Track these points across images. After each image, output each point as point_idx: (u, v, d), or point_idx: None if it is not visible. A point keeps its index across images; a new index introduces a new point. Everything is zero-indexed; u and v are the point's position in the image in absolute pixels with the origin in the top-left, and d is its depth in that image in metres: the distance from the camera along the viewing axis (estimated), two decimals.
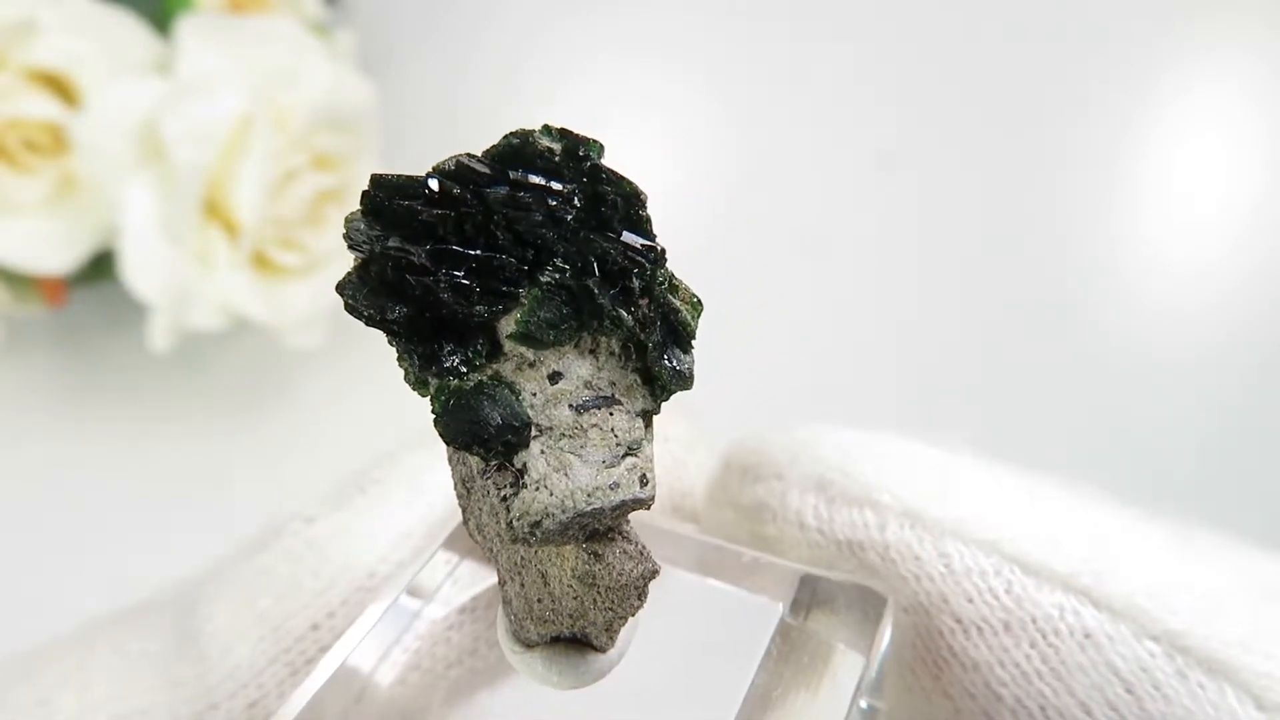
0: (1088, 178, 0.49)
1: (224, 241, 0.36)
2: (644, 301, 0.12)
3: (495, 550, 0.14)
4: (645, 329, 0.12)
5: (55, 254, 0.36)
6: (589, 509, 0.12)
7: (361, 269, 0.12)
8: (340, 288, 0.12)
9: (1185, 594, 0.15)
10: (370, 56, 0.46)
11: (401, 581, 0.16)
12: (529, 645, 0.14)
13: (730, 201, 0.49)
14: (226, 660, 0.16)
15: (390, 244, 0.12)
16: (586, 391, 0.12)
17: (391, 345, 0.12)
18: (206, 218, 0.36)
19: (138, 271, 0.35)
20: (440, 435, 0.12)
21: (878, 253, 0.47)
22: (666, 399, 0.13)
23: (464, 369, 0.12)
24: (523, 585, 0.13)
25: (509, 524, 0.12)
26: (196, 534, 0.26)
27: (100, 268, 0.37)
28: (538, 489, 0.12)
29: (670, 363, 0.12)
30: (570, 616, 0.13)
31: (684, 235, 0.48)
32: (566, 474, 0.12)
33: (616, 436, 0.12)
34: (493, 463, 0.12)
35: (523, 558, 0.13)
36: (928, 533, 0.16)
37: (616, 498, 0.12)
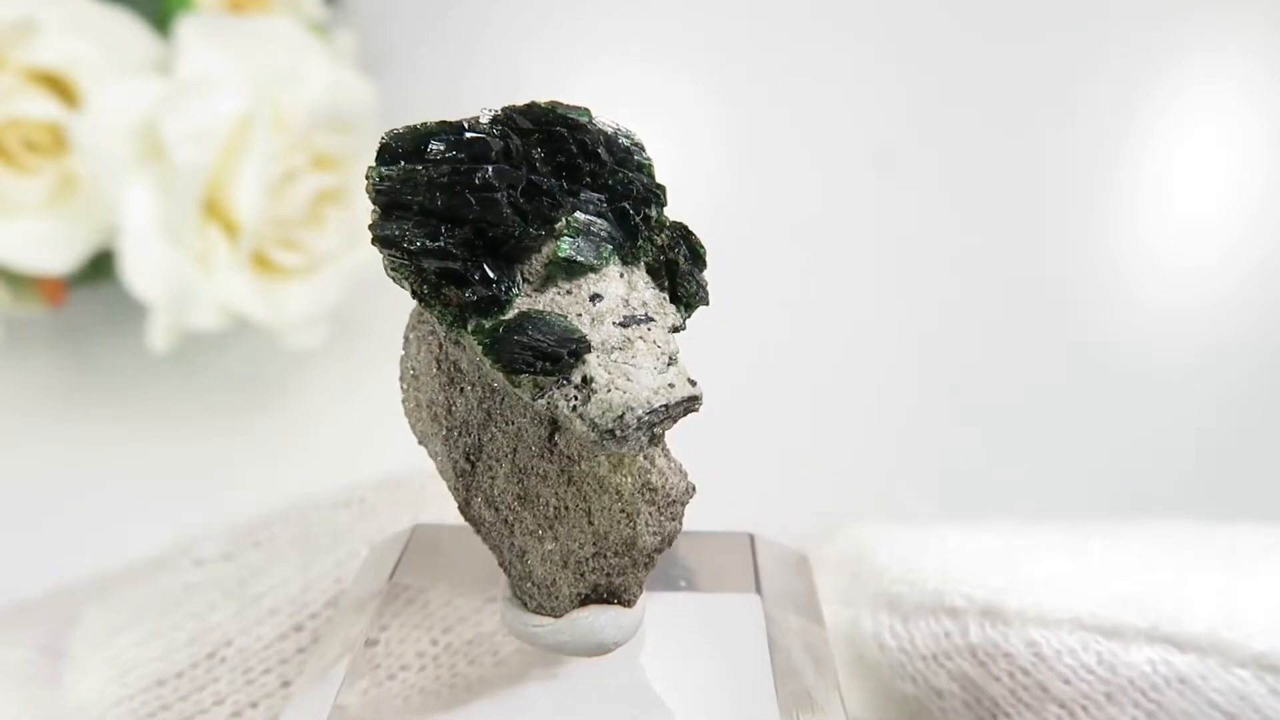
0: (1087, 177, 0.49)
1: (224, 241, 0.36)
2: (666, 226, 0.14)
3: (511, 519, 0.14)
4: (673, 248, 0.14)
5: (55, 254, 0.36)
6: (660, 404, 0.12)
7: (390, 208, 0.13)
8: (376, 226, 0.13)
9: (1258, 615, 0.16)
10: (370, 56, 0.46)
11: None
12: (557, 614, 0.14)
13: (730, 201, 0.49)
14: (78, 692, 0.17)
15: (449, 157, 0.12)
16: (625, 309, 0.13)
17: (419, 294, 0.13)
18: (206, 218, 0.36)
19: (138, 271, 0.35)
20: (495, 363, 0.12)
21: (877, 250, 0.47)
22: (690, 315, 0.14)
23: (515, 292, 0.13)
24: (557, 539, 0.14)
25: (592, 425, 0.12)
26: (196, 534, 0.26)
27: (100, 268, 0.37)
28: (609, 391, 0.12)
29: (695, 279, 0.14)
30: (617, 554, 0.14)
31: None
32: (628, 379, 0.12)
33: (660, 347, 0.13)
34: (553, 381, 0.13)
35: (563, 506, 0.14)
36: (1009, 626, 0.16)
37: (677, 394, 0.12)
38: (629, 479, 0.14)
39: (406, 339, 0.15)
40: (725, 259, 0.53)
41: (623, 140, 0.13)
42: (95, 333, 0.42)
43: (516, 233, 0.12)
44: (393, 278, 0.13)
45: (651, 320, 0.13)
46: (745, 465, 0.40)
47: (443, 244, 0.12)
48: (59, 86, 0.36)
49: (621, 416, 0.12)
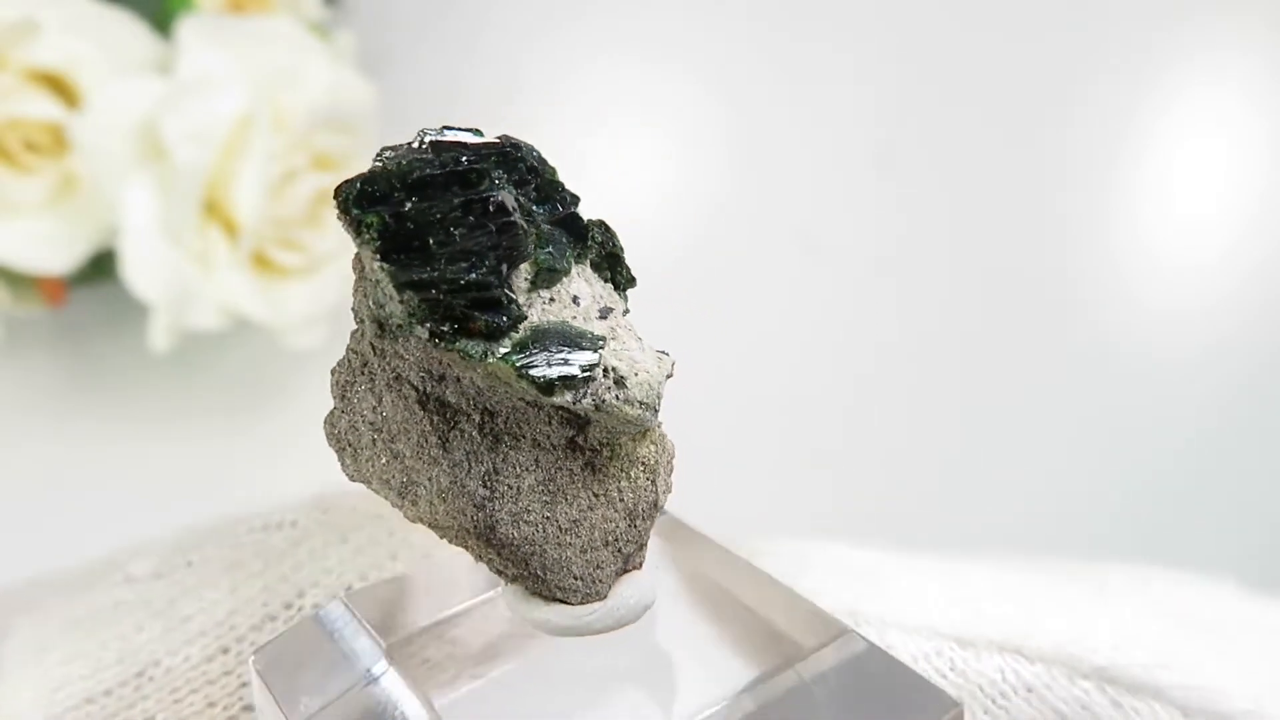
0: (1087, 177, 0.49)
1: (224, 241, 0.36)
2: (595, 225, 0.15)
3: (543, 528, 0.15)
4: (608, 242, 0.15)
5: (55, 254, 0.36)
6: (668, 374, 0.14)
7: (398, 252, 0.13)
8: (396, 274, 0.13)
9: (1105, 633, 0.17)
10: (370, 56, 0.46)
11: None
12: (602, 596, 0.15)
13: (730, 201, 0.49)
14: (7, 708, 0.17)
15: (452, 189, 0.13)
16: (597, 304, 0.14)
17: (441, 334, 0.13)
18: (206, 218, 0.36)
19: (138, 271, 0.35)
20: (532, 384, 0.13)
21: (877, 250, 0.47)
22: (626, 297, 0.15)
23: (524, 314, 0.14)
24: (594, 527, 0.15)
25: (640, 405, 0.14)
26: (200, 521, 0.26)
27: (100, 268, 0.37)
28: (636, 374, 0.14)
29: (627, 266, 0.15)
30: (645, 518, 0.15)
31: (683, 235, 0.48)
32: (635, 360, 0.14)
33: (631, 330, 0.14)
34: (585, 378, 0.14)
35: (593, 494, 0.15)
36: (870, 627, 0.17)
37: (669, 363, 0.14)
38: (650, 447, 0.15)
39: (346, 400, 0.15)
40: (725, 259, 0.53)
41: (536, 153, 0.14)
42: (95, 333, 0.42)
43: (529, 253, 0.13)
44: (402, 325, 0.13)
45: (613, 309, 0.14)
46: (743, 463, 0.40)
47: (478, 276, 0.13)
48: (59, 86, 0.36)
49: (659, 394, 0.14)
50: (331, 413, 0.15)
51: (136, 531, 0.21)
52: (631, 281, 0.15)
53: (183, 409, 0.42)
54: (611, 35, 0.52)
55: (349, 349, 0.15)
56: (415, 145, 0.13)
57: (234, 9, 0.40)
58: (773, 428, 0.43)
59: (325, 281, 0.39)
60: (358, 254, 0.14)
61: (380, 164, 0.13)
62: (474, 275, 0.13)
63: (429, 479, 0.14)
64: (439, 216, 0.13)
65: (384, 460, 0.15)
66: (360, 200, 0.13)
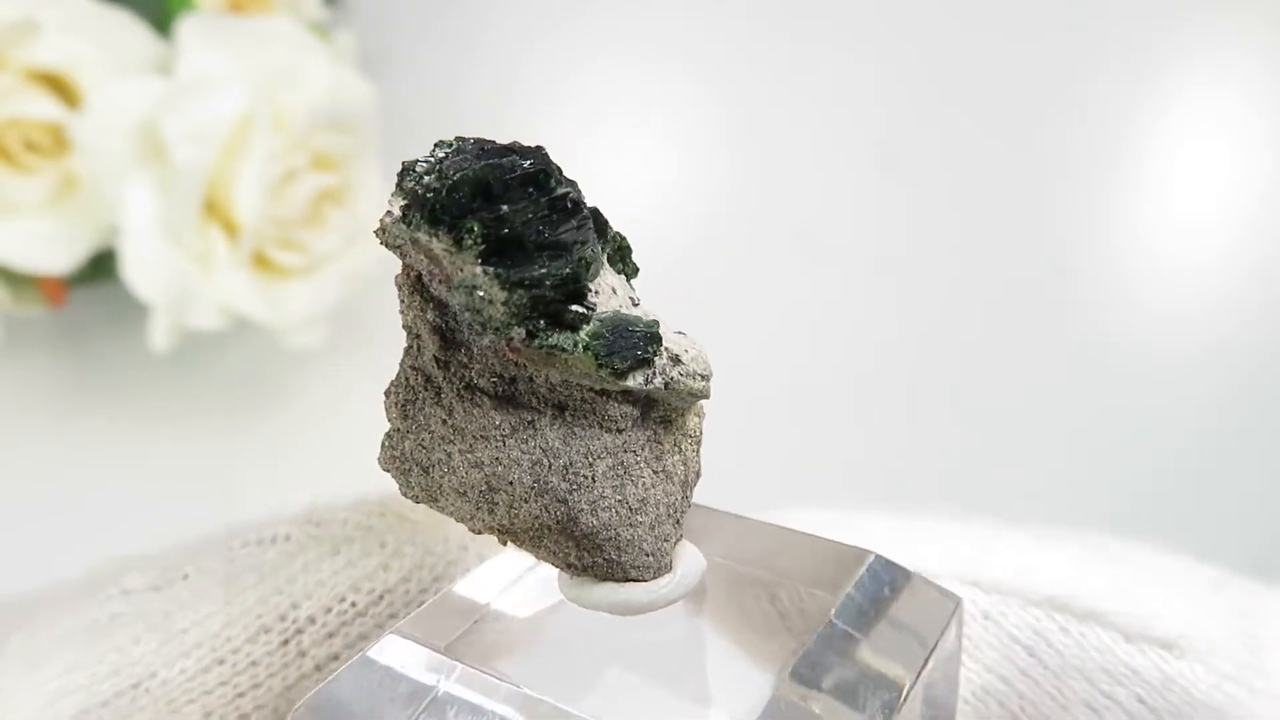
0: (1087, 177, 0.49)
1: (224, 241, 0.36)
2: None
3: (619, 513, 0.15)
4: (620, 235, 0.15)
5: (55, 254, 0.36)
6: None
7: (499, 253, 0.13)
8: (511, 274, 0.13)
9: (1053, 568, 0.19)
10: (370, 56, 0.46)
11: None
12: (669, 568, 0.16)
13: (730, 201, 0.49)
14: (4, 718, 0.17)
15: (531, 189, 0.14)
16: (628, 295, 0.15)
17: (536, 332, 0.14)
18: (206, 218, 0.36)
19: (138, 271, 0.35)
20: (611, 371, 0.14)
21: (877, 250, 0.47)
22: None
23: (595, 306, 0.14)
24: (658, 504, 0.16)
25: (702, 378, 0.15)
26: (197, 534, 0.26)
27: (100, 268, 0.37)
28: (687, 350, 0.15)
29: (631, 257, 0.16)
30: (692, 487, 0.16)
31: (683, 235, 0.48)
32: (676, 339, 0.15)
33: (655, 316, 0.15)
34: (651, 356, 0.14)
35: (654, 471, 0.15)
36: None
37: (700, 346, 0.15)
38: (694, 419, 0.16)
39: (409, 419, 0.15)
40: (725, 259, 0.53)
41: (544, 152, 0.15)
42: (95, 333, 0.42)
43: (595, 244, 0.14)
44: (500, 328, 0.13)
45: (638, 299, 0.15)
46: (743, 463, 0.40)
47: (571, 270, 0.13)
48: (59, 86, 0.36)
49: (708, 362, 0.15)
50: (389, 436, 0.15)
51: (137, 531, 0.21)
52: (635, 271, 0.16)
53: (183, 409, 0.42)
54: (611, 35, 0.52)
55: (405, 367, 0.15)
56: (447, 155, 0.14)
57: (234, 9, 0.40)
58: (772, 428, 0.43)
59: (325, 281, 0.39)
60: (405, 270, 0.14)
61: (435, 177, 0.13)
62: (568, 269, 0.13)
63: (509, 482, 0.15)
64: (530, 216, 0.13)
65: (462, 472, 0.15)
66: (451, 209, 0.13)
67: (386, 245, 0.14)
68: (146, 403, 0.41)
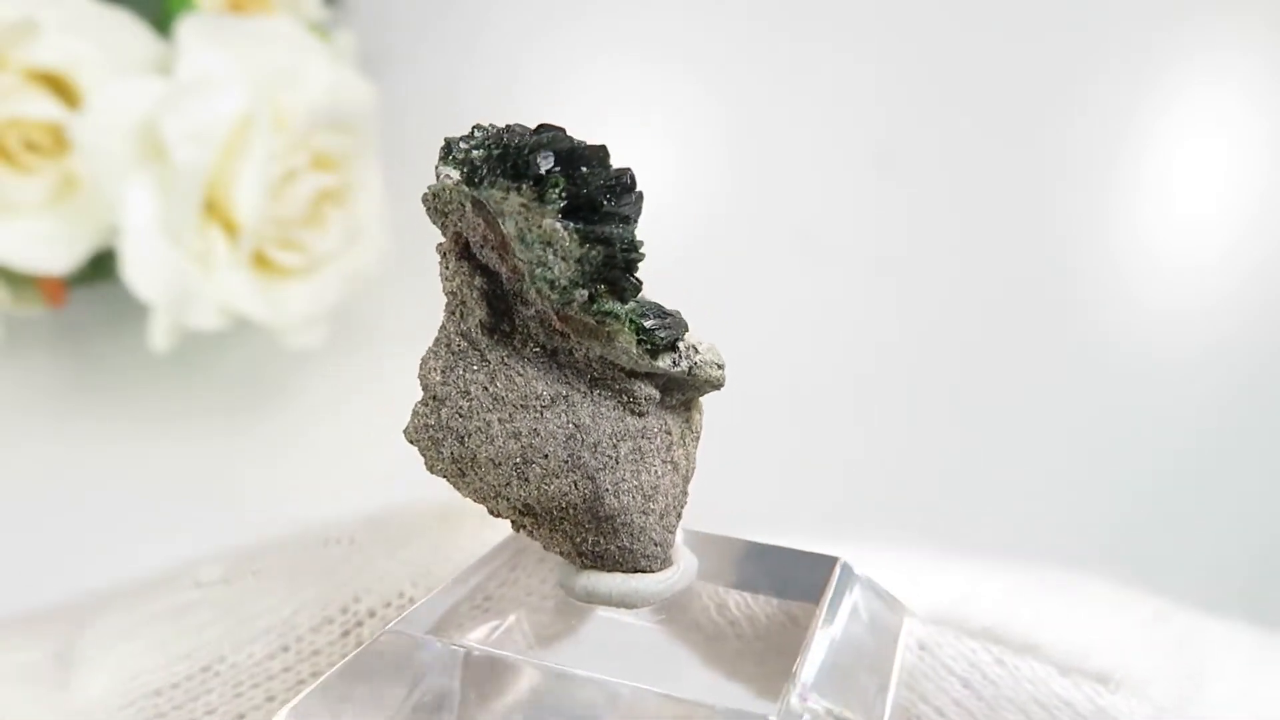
0: (1087, 177, 0.49)
1: (224, 241, 0.36)
2: None
3: (637, 497, 0.15)
4: None
5: (55, 254, 0.36)
6: None
7: (576, 210, 0.14)
8: (590, 232, 0.14)
9: (988, 599, 0.19)
10: (370, 56, 0.46)
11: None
12: (672, 560, 0.16)
13: (730, 201, 0.49)
14: (83, 695, 0.18)
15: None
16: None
17: (596, 295, 0.14)
18: (206, 218, 0.36)
19: (138, 271, 0.35)
20: (650, 349, 0.15)
21: (877, 251, 0.47)
22: None
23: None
24: (666, 495, 0.16)
25: (718, 365, 0.15)
26: (197, 534, 0.26)
27: (100, 268, 0.37)
28: (702, 341, 0.15)
29: None
30: (689, 482, 0.16)
31: (683, 235, 0.48)
32: (693, 333, 0.15)
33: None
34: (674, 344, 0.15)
35: (665, 462, 0.16)
36: None
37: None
38: (698, 416, 0.16)
39: (448, 385, 0.15)
40: (725, 259, 0.53)
41: None
42: (95, 333, 0.42)
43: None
44: (570, 284, 0.14)
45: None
46: (742, 463, 0.40)
47: (634, 238, 0.14)
48: (59, 86, 0.36)
49: (720, 353, 0.15)
50: (425, 404, 0.15)
51: (137, 531, 0.22)
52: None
53: (183, 409, 0.42)
54: (611, 35, 0.52)
55: (447, 332, 0.15)
56: (498, 130, 0.14)
57: (234, 9, 0.40)
58: (772, 427, 0.43)
59: (325, 281, 0.39)
60: (453, 237, 0.15)
61: (509, 137, 0.14)
62: (632, 235, 0.14)
63: (544, 455, 0.15)
64: (600, 183, 0.14)
65: (500, 441, 0.15)
66: (533, 165, 0.14)
67: (435, 211, 0.15)
68: (146, 403, 0.41)
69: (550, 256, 0.14)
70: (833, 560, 0.17)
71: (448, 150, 0.14)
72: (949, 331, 0.45)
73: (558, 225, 0.14)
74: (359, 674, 0.15)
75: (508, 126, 0.14)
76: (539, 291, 0.14)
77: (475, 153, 0.14)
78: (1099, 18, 0.52)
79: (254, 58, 0.36)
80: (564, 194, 0.14)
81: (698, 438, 0.17)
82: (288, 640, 0.19)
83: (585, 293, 0.14)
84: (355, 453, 0.41)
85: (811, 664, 0.15)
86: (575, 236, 0.14)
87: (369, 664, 0.15)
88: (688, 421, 0.16)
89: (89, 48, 0.35)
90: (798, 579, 0.17)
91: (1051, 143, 0.50)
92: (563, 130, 0.14)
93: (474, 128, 0.14)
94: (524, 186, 0.14)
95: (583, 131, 0.14)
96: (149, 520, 0.37)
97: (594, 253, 0.14)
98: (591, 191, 0.14)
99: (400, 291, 0.43)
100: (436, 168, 0.14)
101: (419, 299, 0.45)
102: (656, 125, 0.51)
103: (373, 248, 0.39)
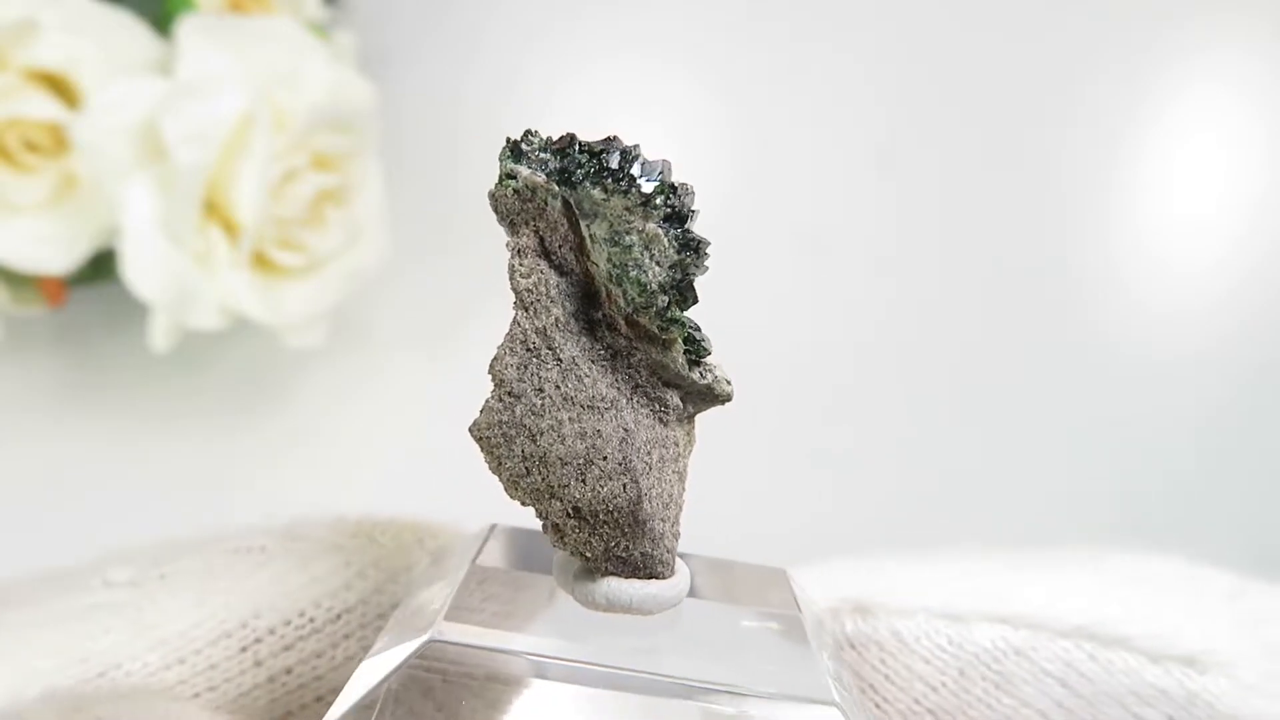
0: (1087, 177, 0.49)
1: (224, 241, 0.36)
2: None
3: (661, 502, 0.16)
4: None
5: (55, 254, 0.36)
6: None
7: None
8: (685, 233, 0.15)
9: (1076, 598, 0.19)
10: (370, 56, 0.46)
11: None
12: (675, 571, 0.16)
13: (730, 201, 0.49)
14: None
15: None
16: None
17: (681, 335, 0.15)
18: (206, 218, 0.36)
19: (138, 271, 0.35)
20: (696, 354, 0.15)
21: (878, 251, 0.47)
22: None
23: None
24: (678, 503, 0.16)
25: (729, 381, 0.16)
26: (182, 535, 0.26)
27: (100, 268, 0.37)
28: (712, 356, 0.16)
29: None
30: (684, 494, 0.17)
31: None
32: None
33: None
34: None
35: (673, 472, 0.16)
36: (876, 619, 0.19)
37: None
38: (694, 428, 0.17)
39: (523, 382, 0.16)
40: (725, 259, 0.53)
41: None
42: (95, 333, 0.42)
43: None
44: (657, 288, 0.15)
45: None
46: (742, 463, 0.40)
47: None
48: (59, 86, 0.36)
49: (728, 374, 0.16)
50: (499, 400, 0.15)
51: (137, 531, 0.21)
52: None
53: (183, 409, 0.42)
54: (611, 35, 0.52)
55: (523, 329, 0.15)
56: (561, 138, 0.15)
57: (234, 9, 0.40)
58: (772, 427, 0.43)
59: (325, 281, 0.39)
60: (533, 229, 0.15)
61: (587, 150, 0.15)
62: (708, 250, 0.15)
63: (604, 456, 0.15)
64: (690, 197, 0.15)
65: (570, 441, 0.15)
66: (644, 172, 0.15)
67: (512, 209, 0.15)
68: (146, 403, 0.41)
69: (646, 259, 0.14)
70: (782, 571, 0.18)
71: (517, 151, 0.15)
72: (948, 331, 0.45)
73: (660, 230, 0.14)
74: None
75: (569, 138, 0.15)
76: (624, 293, 0.15)
77: (543, 154, 0.14)
78: (1098, 18, 0.52)
79: (254, 58, 0.36)
80: (669, 202, 0.15)
81: (694, 441, 0.17)
82: (184, 653, 0.19)
83: (666, 298, 0.15)
84: (355, 453, 0.41)
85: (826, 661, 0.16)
86: (675, 242, 0.14)
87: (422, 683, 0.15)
88: (689, 434, 0.17)
89: (89, 48, 0.35)
90: (756, 591, 0.18)
91: (1051, 142, 0.50)
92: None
93: (526, 131, 0.15)
94: (632, 190, 0.14)
95: (583, 131, 0.15)
96: (149, 520, 0.37)
97: (687, 259, 0.15)
98: (684, 204, 0.15)
99: (400, 291, 0.43)
100: (507, 165, 0.15)
101: (419, 299, 0.45)
102: (657, 125, 0.51)
103: (373, 248, 0.39)
